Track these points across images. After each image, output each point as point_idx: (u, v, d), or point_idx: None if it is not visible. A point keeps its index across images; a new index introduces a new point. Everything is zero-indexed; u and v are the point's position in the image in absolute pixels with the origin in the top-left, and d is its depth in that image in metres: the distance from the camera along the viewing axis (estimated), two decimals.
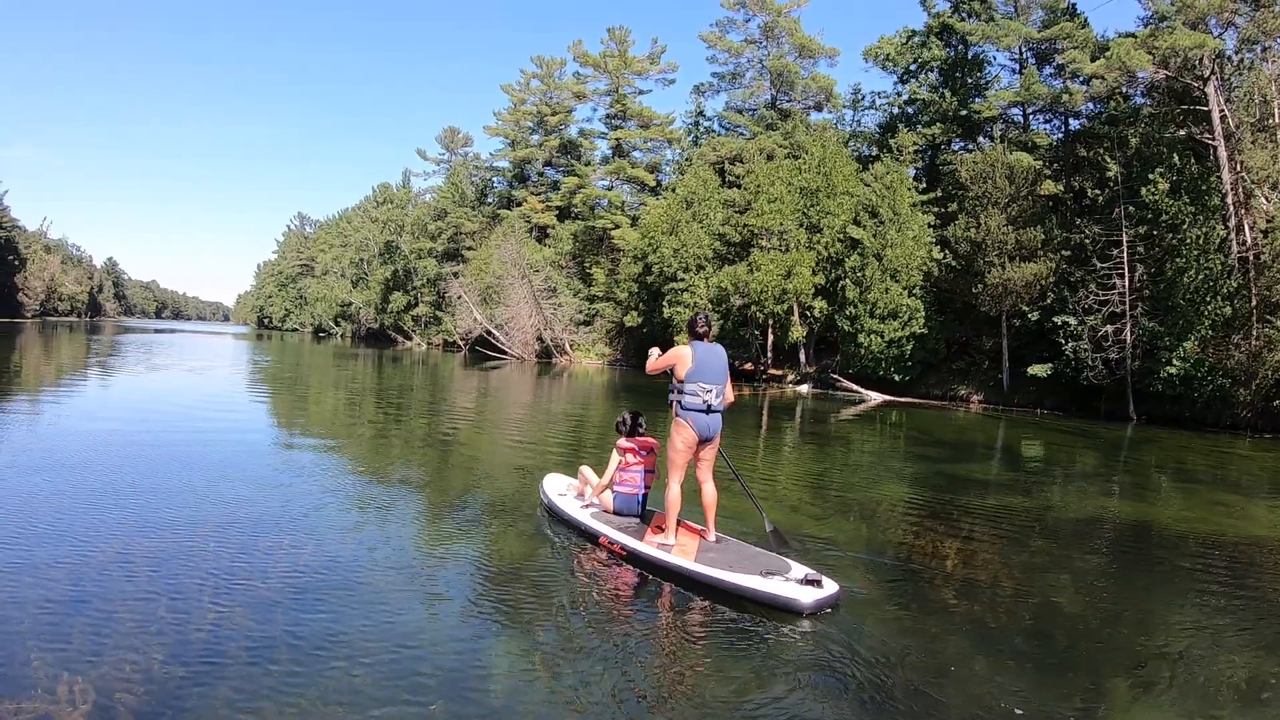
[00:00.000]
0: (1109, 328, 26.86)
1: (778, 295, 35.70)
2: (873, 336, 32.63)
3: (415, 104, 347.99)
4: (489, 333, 56.85)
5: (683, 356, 6.77)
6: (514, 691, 4.46)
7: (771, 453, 15.58)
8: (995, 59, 39.01)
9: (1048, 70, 36.50)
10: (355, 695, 4.32)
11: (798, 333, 36.86)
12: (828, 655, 5.06)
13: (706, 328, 7.05)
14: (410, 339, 77.87)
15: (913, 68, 40.78)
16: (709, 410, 6.73)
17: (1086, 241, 28.20)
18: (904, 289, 32.47)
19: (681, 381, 6.74)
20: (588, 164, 60.90)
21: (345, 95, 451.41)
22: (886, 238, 33.16)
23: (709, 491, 6.97)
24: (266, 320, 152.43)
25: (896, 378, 33.09)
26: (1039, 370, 29.18)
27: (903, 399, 31.89)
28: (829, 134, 42.98)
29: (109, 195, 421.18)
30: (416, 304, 76.67)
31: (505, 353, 54.82)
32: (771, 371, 39.53)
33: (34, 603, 5.47)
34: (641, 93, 59.40)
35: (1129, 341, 26.41)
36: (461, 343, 62.74)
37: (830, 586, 5.79)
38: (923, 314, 32.43)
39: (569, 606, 5.82)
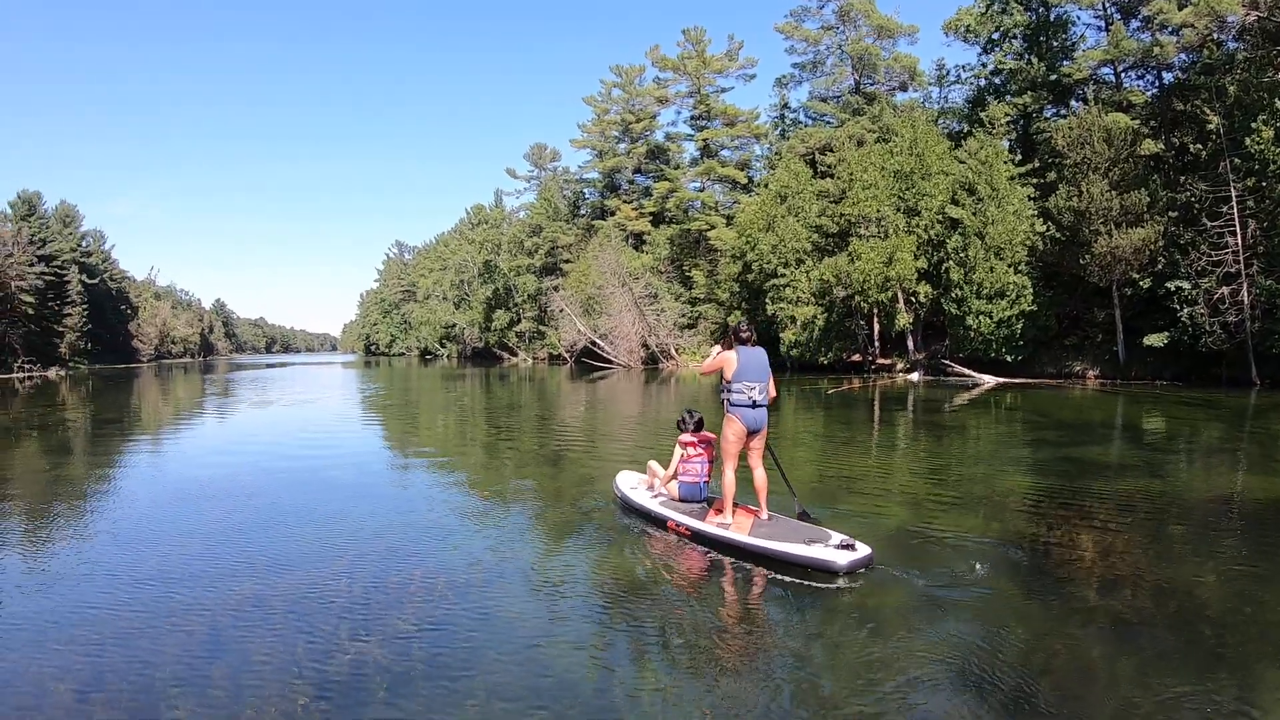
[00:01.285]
0: (1225, 289, 26.76)
1: (880, 283, 36.18)
2: (981, 317, 32.87)
3: (501, 125, 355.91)
4: (593, 343, 58.69)
5: (729, 360, 7.89)
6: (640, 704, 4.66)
7: (886, 446, 15.72)
8: (1079, 18, 38.73)
9: (1135, 24, 36.00)
10: None
11: (904, 319, 37.25)
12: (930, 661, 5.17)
13: (749, 333, 8.15)
14: (515, 355, 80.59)
15: (995, 36, 40.68)
16: (754, 405, 7.85)
17: (1193, 200, 28.14)
18: (1009, 266, 32.65)
19: (729, 381, 7.88)
20: (677, 167, 62.34)
21: (432, 123, 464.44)
22: (987, 215, 33.43)
23: (760, 476, 8.14)
24: (373, 347, 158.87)
25: (1009, 358, 33.21)
26: (1155, 340, 29.08)
27: (1016, 380, 31.87)
28: (917, 114, 43.30)
29: (212, 240, 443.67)
30: (519, 320, 79.27)
31: (611, 362, 56.57)
32: (880, 361, 39.93)
33: (173, 648, 5.69)
34: (723, 91, 60.68)
35: (1247, 302, 26.28)
36: (567, 355, 64.88)
37: (863, 549, 6.84)
38: (1030, 290, 32.55)
39: (657, 592, 6.64)
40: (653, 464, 9.60)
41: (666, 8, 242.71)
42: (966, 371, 33.82)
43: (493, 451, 16.28)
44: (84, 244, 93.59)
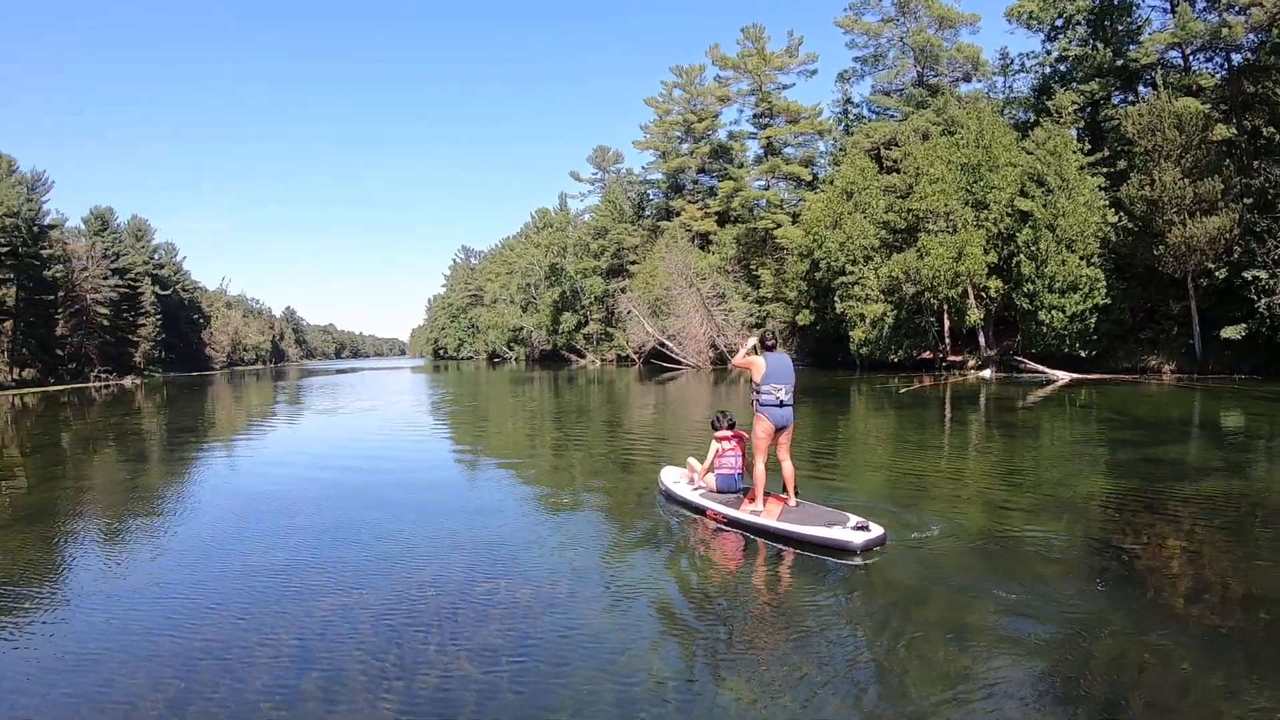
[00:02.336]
0: None
1: (950, 278, 36.36)
2: (1053, 312, 32.81)
3: (564, 128, 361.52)
4: (662, 344, 59.64)
5: (758, 365, 8.96)
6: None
7: (960, 447, 15.78)
8: (1144, 1, 38.24)
9: (1201, 4, 35.34)
10: None
11: (974, 315, 37.28)
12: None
13: (774, 340, 9.36)
14: (584, 357, 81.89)
15: (1059, 23, 40.32)
16: (781, 405, 8.89)
17: (1268, 186, 28.05)
18: (1081, 258, 32.60)
19: (759, 384, 8.91)
20: (741, 166, 63.04)
21: (496, 129, 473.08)
22: (1057, 206, 33.41)
23: (788, 467, 9.13)
24: (441, 351, 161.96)
25: (1082, 353, 33.11)
26: (1232, 332, 28.86)
27: (1091, 376, 31.76)
28: (982, 104, 43.19)
29: (282, 250, 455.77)
30: (586, 322, 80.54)
31: (680, 363, 57.49)
32: (951, 358, 40.02)
33: (263, 661, 5.85)
34: (785, 88, 61.18)
35: None
36: (635, 356, 65.91)
37: (876, 530, 7.80)
38: (1104, 283, 32.42)
39: (704, 577, 7.49)
40: (691, 460, 10.70)
41: (725, 7, 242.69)
42: (1039, 368, 33.84)
43: (563, 455, 16.72)
44: (156, 257, 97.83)
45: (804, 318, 48.06)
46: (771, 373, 8.88)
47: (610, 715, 4.80)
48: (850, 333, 42.37)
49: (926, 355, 40.90)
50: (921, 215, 38.89)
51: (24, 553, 9.40)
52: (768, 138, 59.78)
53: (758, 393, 8.94)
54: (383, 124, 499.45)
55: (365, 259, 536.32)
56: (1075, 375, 32.01)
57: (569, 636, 6.07)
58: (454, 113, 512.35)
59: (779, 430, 8.99)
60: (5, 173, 58.70)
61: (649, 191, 76.53)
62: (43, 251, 61.35)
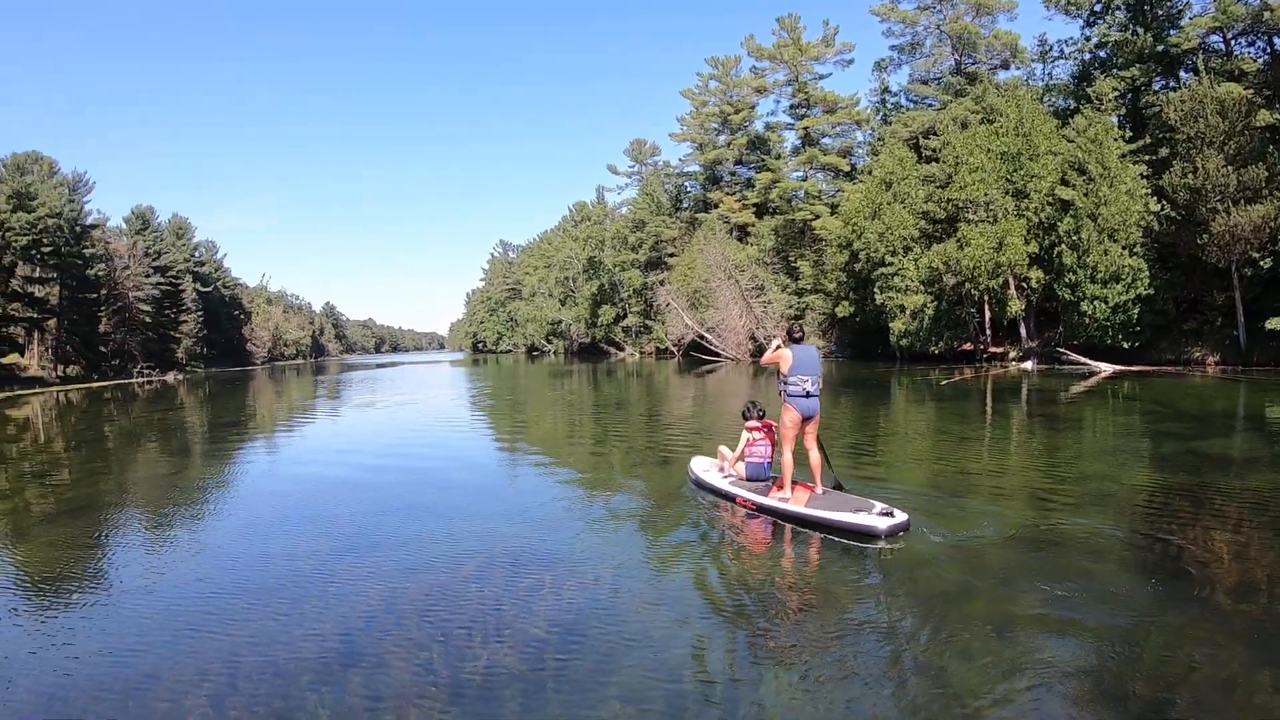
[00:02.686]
0: None
1: (991, 269, 36.19)
2: (1096, 303, 32.59)
3: (600, 122, 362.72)
4: (701, 337, 60.06)
5: (785, 357, 9.37)
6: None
7: (1000, 440, 15.81)
8: None
9: None
10: None
11: (1015, 306, 37.15)
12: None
13: (800, 334, 9.81)
14: (622, 350, 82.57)
15: (1097, 8, 39.97)
16: (808, 395, 9.32)
17: None
18: (1123, 248, 32.36)
19: (786, 375, 9.35)
20: (779, 157, 63.13)
21: (532, 123, 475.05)
22: (1099, 195, 33.18)
23: (815, 456, 9.54)
24: (480, 345, 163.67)
25: (1125, 345, 32.85)
26: (1278, 323, 28.47)
27: (1133, 367, 31.53)
28: (1021, 92, 42.92)
29: (321, 246, 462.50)
30: (625, 315, 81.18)
31: (719, 355, 57.85)
32: (992, 350, 39.86)
33: (309, 653, 5.92)
34: (821, 78, 61.24)
35: None
36: (674, 349, 66.35)
37: (900, 516, 8.17)
38: (1146, 273, 32.14)
39: (739, 563, 7.81)
40: (722, 449, 11.14)
41: None
42: (1082, 359, 33.60)
43: (603, 448, 17.06)
44: (197, 254, 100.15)
45: (843, 309, 48.07)
46: (799, 365, 9.32)
47: (656, 712, 4.82)
48: (890, 324, 42.42)
49: (967, 347, 40.76)
50: (961, 205, 38.71)
51: (70, 546, 9.66)
52: (805, 128, 59.84)
53: (785, 384, 9.36)
54: (422, 121, 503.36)
55: (404, 254, 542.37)
56: (1118, 367, 31.82)
57: (613, 631, 6.11)
58: (492, 106, 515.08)
59: (806, 420, 9.42)
60: (47, 174, 60.58)
61: (686, 184, 76.97)
62: (85, 251, 63.18)
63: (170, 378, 68.44)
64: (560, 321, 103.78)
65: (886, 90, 56.05)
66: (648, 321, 75.22)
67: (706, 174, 72.01)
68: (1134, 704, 4.69)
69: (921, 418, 20.00)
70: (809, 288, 54.97)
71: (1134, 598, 6.29)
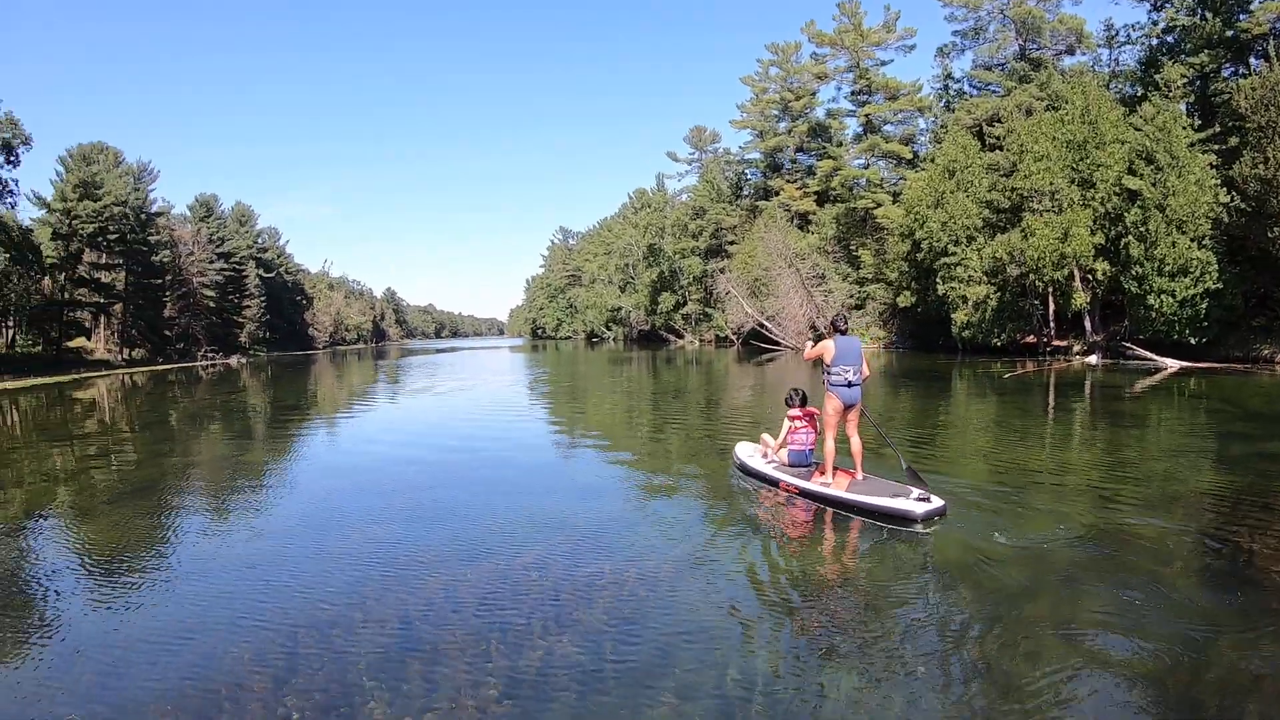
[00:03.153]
0: None
1: (1055, 260, 35.86)
2: (1163, 297, 32.03)
3: (660, 109, 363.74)
4: (761, 325, 60.26)
5: (828, 348, 9.82)
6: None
7: (1063, 436, 15.67)
8: None
9: None
10: None
11: (1080, 299, 36.64)
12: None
13: (845, 325, 10.18)
14: (682, 337, 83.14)
15: None
16: (849, 385, 9.76)
17: None
18: (1191, 240, 31.76)
19: (829, 365, 9.80)
20: (840, 144, 62.93)
21: (592, 110, 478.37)
22: (1167, 185, 32.57)
23: (855, 443, 9.99)
24: (539, 330, 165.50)
25: (1191, 340, 32.21)
26: None
27: (1200, 364, 30.86)
28: (1087, 78, 42.17)
29: (382, 232, 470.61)
30: (685, 303, 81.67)
31: (779, 344, 58.04)
32: (1056, 343, 39.39)
33: (367, 639, 5.99)
34: (883, 64, 60.79)
35: None
36: (734, 337, 66.70)
37: (937, 501, 8.60)
38: (1215, 267, 31.48)
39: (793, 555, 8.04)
40: (765, 436, 11.65)
41: None
42: (1147, 355, 33.14)
43: (661, 436, 17.19)
44: (260, 241, 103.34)
45: (905, 299, 47.95)
46: (841, 355, 9.78)
47: (712, 709, 4.84)
48: (952, 315, 42.33)
49: (1030, 340, 40.41)
50: (1026, 194, 38.27)
51: (133, 526, 9.86)
52: (866, 115, 59.53)
53: (828, 373, 9.85)
54: (483, 107, 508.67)
55: (465, 241, 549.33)
56: (1184, 363, 31.27)
57: (673, 621, 6.16)
58: (551, 92, 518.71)
59: (847, 408, 9.88)
60: (112, 164, 62.96)
61: (747, 171, 77.09)
62: (150, 238, 65.97)
63: (233, 361, 70.97)
64: (620, 308, 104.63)
65: (949, 76, 55.49)
66: (707, 309, 75.66)
67: (767, 161, 72.02)
68: (1198, 716, 4.67)
69: (983, 411, 20.11)
70: (870, 277, 54.84)
71: (1201, 605, 6.19)
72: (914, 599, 6.58)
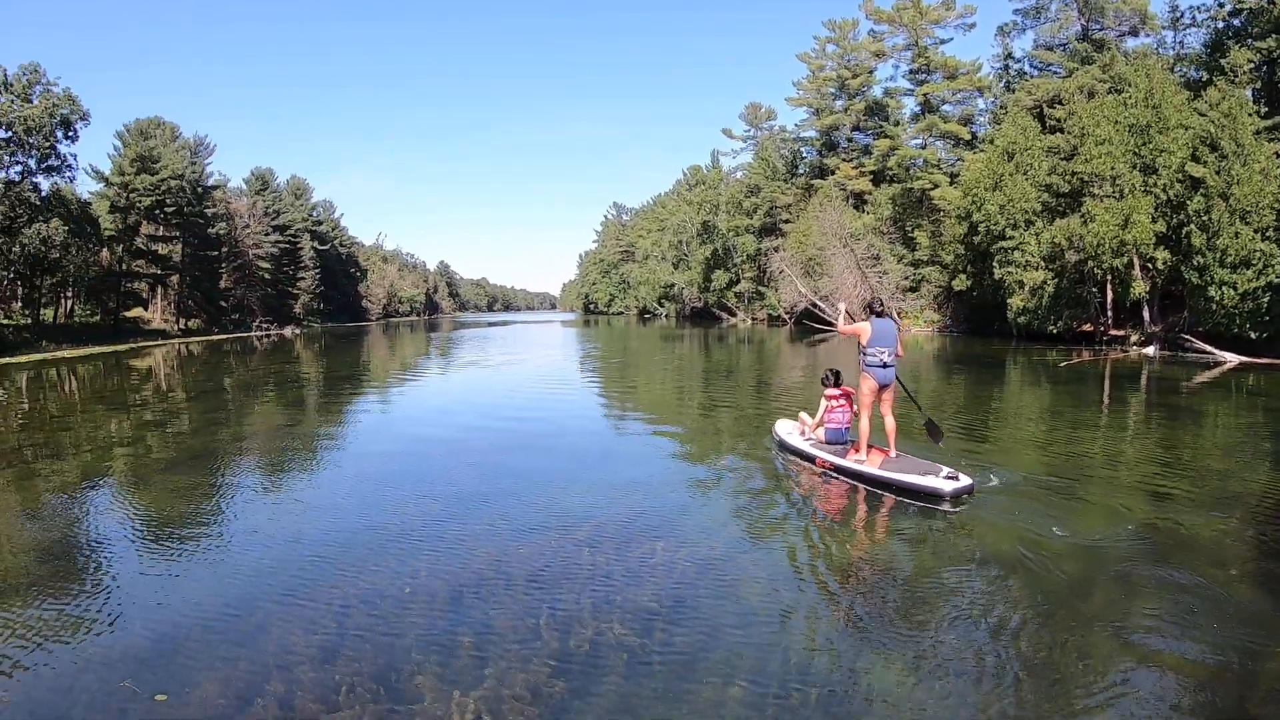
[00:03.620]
0: None
1: (1115, 247, 35.33)
2: (1224, 289, 31.38)
3: (715, 85, 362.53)
4: (814, 305, 60.23)
5: (864, 329, 10.34)
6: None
7: (1118, 428, 15.64)
8: None
9: None
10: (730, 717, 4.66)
11: (1139, 288, 35.97)
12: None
13: (881, 307, 10.87)
14: (734, 315, 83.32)
15: None
16: (884, 365, 10.27)
17: None
18: (1255, 231, 31.15)
19: (865, 346, 10.31)
20: (897, 124, 62.43)
21: (647, 86, 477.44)
22: (1231, 173, 31.94)
23: (889, 422, 10.52)
24: (592, 306, 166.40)
25: (1252, 335, 31.42)
26: None
27: (1261, 360, 29.97)
28: (1151, 61, 41.08)
29: (436, 207, 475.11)
30: (738, 280, 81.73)
31: (832, 324, 57.83)
32: (1113, 332, 38.74)
33: (416, 613, 6.05)
34: (942, 42, 60.16)
35: None
36: (786, 316, 66.71)
37: (965, 480, 9.11)
38: (1279, 259, 30.83)
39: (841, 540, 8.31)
40: (803, 414, 12.38)
41: None
42: (1206, 348, 32.34)
43: (712, 415, 17.63)
44: (314, 214, 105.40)
45: (960, 283, 47.57)
46: (877, 337, 10.29)
47: (757, 692, 4.87)
48: (1008, 300, 42.02)
49: (1086, 328, 39.89)
50: (1086, 179, 37.78)
51: (186, 495, 10.12)
52: (924, 94, 59.05)
53: (864, 354, 10.35)
54: (536, 83, 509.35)
55: (518, 216, 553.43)
56: (1244, 358, 30.50)
57: (723, 603, 6.21)
58: (606, 67, 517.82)
59: (882, 388, 10.40)
60: (169, 139, 64.77)
61: (802, 149, 76.73)
62: (206, 210, 68.13)
63: (287, 332, 72.91)
64: (673, 285, 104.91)
65: (1009, 56, 54.62)
66: (760, 287, 75.65)
67: (823, 140, 71.66)
68: None
69: (1037, 399, 20.18)
70: (925, 259, 54.61)
71: (1257, 612, 6.06)
72: (964, 589, 6.63)
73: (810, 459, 11.13)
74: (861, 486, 9.94)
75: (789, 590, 6.61)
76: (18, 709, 4.83)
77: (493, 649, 5.44)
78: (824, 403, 11.50)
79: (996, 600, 6.34)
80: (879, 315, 10.62)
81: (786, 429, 12.53)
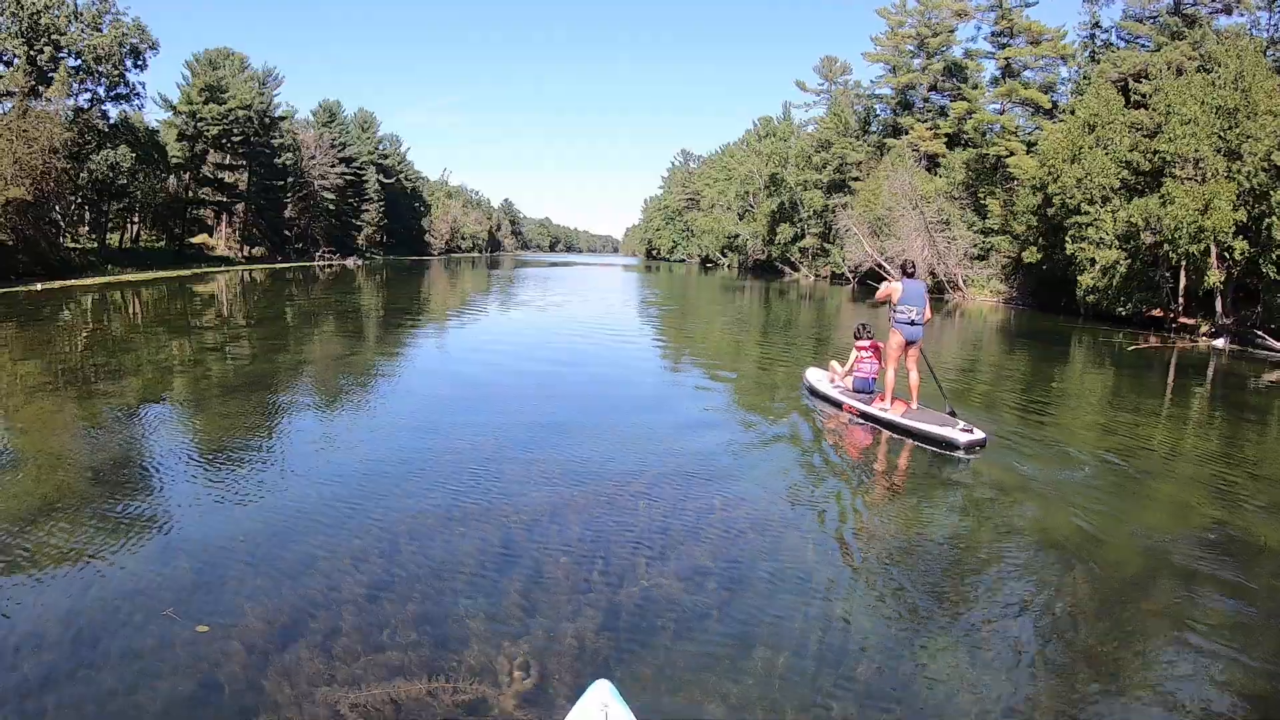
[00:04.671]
0: None
1: (1193, 232, 34.61)
2: None
3: (789, 35, 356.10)
4: (879, 265, 59.94)
5: (896, 289, 11.34)
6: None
7: (1184, 420, 15.46)
8: None
9: None
10: (780, 688, 4.57)
11: (1214, 277, 35.11)
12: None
13: (913, 269, 12.01)
14: (797, 270, 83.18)
15: None
16: (912, 323, 11.24)
17: None
18: None
19: (896, 304, 11.28)
20: (975, 87, 61.51)
21: (720, 32, 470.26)
22: None
23: (914, 377, 11.52)
24: (654, 252, 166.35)
25: None
26: None
27: None
28: (1243, 42, 39.53)
29: (502, 145, 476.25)
30: (803, 236, 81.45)
31: None
32: (1182, 320, 38.20)
33: (466, 554, 6.01)
34: (1028, 5, 58.81)
35: None
36: (850, 275, 66.46)
37: (979, 433, 10.13)
38: None
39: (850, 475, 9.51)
40: (834, 363, 13.64)
41: None
42: (1278, 346, 31.55)
43: (769, 370, 17.89)
44: (381, 147, 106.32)
45: (1030, 255, 46.82)
46: (907, 296, 11.31)
47: (808, 664, 4.82)
48: (1078, 278, 41.56)
49: (1156, 313, 39.37)
50: (1169, 159, 36.98)
51: (240, 422, 10.35)
52: (1006, 59, 57.99)
53: (894, 311, 11.37)
54: (609, 26, 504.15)
55: (585, 158, 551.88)
56: None
57: (778, 568, 6.14)
58: (680, 11, 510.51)
59: (909, 344, 11.46)
60: (238, 69, 66.20)
61: (876, 106, 75.68)
62: (273, 141, 69.64)
63: (350, 263, 74.77)
64: (737, 236, 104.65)
65: (1097, 25, 52.69)
66: (825, 244, 75.31)
67: (898, 98, 70.59)
68: None
69: (1102, 382, 20.21)
70: (996, 228, 53.89)
71: None
72: (1026, 575, 6.56)
73: (837, 405, 12.49)
74: (884, 432, 11.13)
75: (851, 559, 6.66)
76: (57, 638, 4.83)
77: (543, 597, 5.43)
78: (854, 353, 12.69)
79: (1060, 589, 6.26)
80: (910, 276, 11.72)
81: (816, 376, 13.82)
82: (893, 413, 11.25)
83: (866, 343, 12.55)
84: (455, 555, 6.04)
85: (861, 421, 11.62)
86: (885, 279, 57.72)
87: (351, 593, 5.41)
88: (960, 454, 9.94)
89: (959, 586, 6.24)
